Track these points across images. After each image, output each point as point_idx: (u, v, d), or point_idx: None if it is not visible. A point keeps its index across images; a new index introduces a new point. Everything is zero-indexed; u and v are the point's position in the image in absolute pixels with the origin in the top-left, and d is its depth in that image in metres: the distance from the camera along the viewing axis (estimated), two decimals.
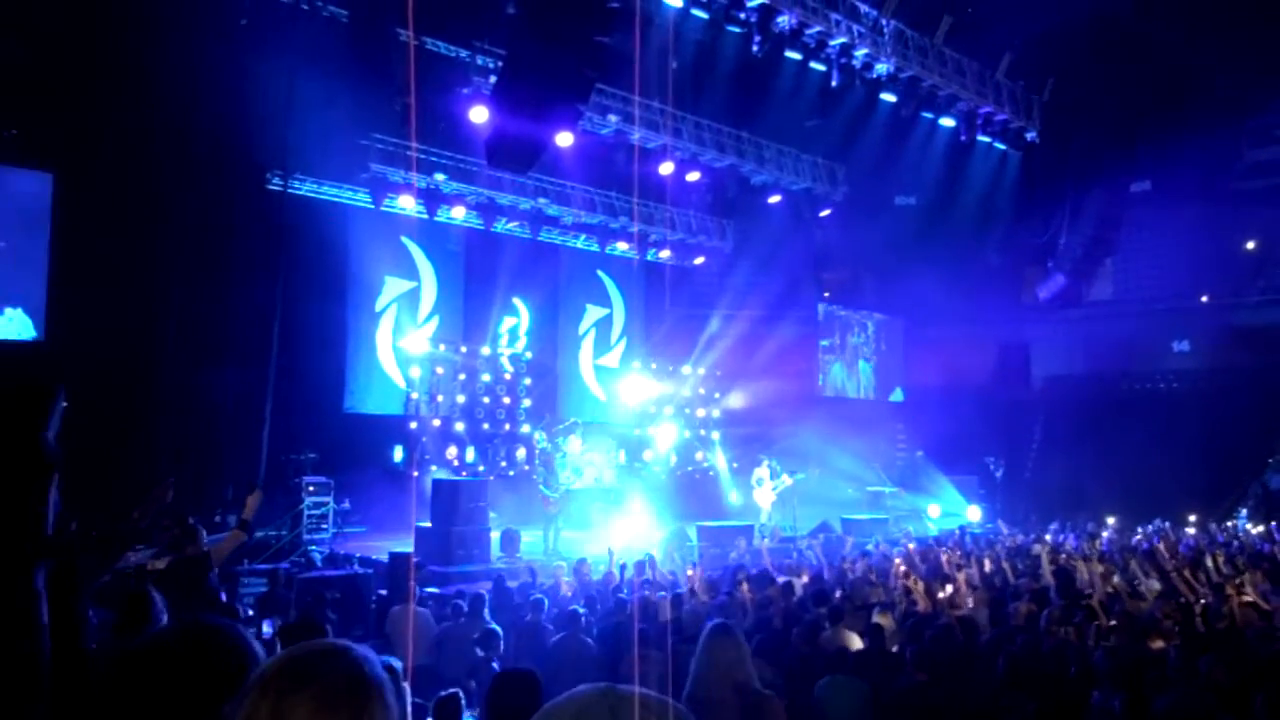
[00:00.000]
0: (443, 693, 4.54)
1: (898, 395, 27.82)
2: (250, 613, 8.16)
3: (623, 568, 10.07)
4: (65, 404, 4.08)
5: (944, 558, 10.51)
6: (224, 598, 6.28)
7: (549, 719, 1.32)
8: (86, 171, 13.96)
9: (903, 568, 9.56)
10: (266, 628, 6.18)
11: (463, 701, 4.52)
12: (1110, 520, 17.25)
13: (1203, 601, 7.37)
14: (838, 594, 7.92)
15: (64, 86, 13.40)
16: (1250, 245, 26.02)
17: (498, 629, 7.00)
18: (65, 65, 13.43)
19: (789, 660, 6.04)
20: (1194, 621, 6.69)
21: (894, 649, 6.30)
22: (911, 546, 12.42)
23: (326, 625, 5.21)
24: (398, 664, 2.97)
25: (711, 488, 21.27)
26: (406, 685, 2.82)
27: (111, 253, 13.68)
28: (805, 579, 9.31)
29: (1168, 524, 16.07)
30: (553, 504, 14.76)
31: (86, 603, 4.89)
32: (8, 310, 14.05)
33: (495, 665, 6.22)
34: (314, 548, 13.64)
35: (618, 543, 11.50)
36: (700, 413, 22.65)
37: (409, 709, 2.89)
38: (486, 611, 8.04)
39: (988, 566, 9.92)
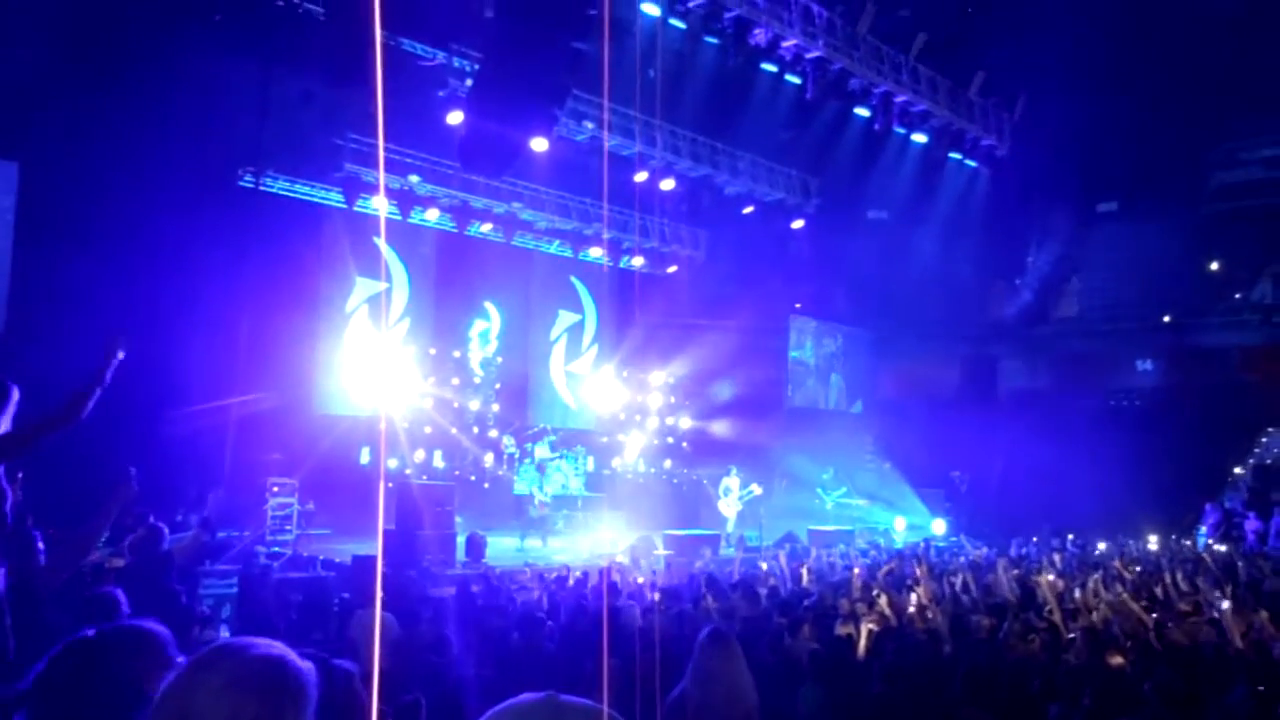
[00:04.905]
0: (406, 698, 4.54)
1: (858, 407, 27.98)
2: (208, 612, 8.05)
3: (587, 575, 10.05)
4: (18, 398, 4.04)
5: (917, 571, 10.57)
6: (184, 599, 6.21)
7: None
8: (52, 162, 13.74)
9: (862, 580, 9.60)
10: (225, 631, 6.13)
11: (423, 708, 4.51)
12: (1071, 536, 17.43)
13: (1154, 617, 7.46)
14: (805, 603, 7.95)
15: (31, 75, 13.19)
16: (1214, 266, 26.44)
17: (450, 636, 6.98)
18: (33, 54, 13.22)
19: (752, 669, 6.04)
20: (1149, 638, 6.78)
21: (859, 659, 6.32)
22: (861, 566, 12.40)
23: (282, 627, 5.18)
24: (352, 668, 2.95)
25: (680, 496, 21.26)
26: (373, 688, 2.81)
27: (77, 244, 13.45)
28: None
29: (1129, 540, 16.27)
30: (545, 508, 14.73)
31: (47, 605, 4.82)
32: None
33: (448, 670, 6.20)
34: (277, 549, 13.49)
35: (584, 550, 11.50)
36: (670, 421, 22.65)
37: (371, 713, 2.87)
38: (445, 617, 8.00)
39: (957, 581, 9.97)
